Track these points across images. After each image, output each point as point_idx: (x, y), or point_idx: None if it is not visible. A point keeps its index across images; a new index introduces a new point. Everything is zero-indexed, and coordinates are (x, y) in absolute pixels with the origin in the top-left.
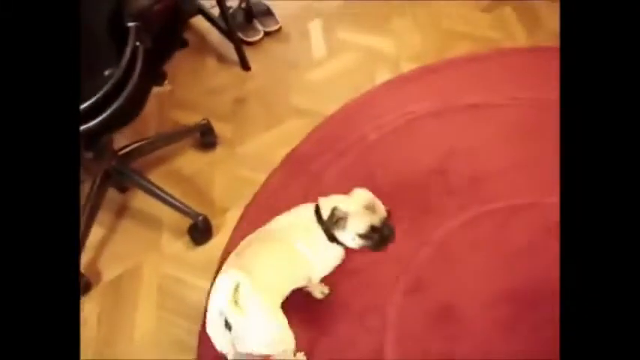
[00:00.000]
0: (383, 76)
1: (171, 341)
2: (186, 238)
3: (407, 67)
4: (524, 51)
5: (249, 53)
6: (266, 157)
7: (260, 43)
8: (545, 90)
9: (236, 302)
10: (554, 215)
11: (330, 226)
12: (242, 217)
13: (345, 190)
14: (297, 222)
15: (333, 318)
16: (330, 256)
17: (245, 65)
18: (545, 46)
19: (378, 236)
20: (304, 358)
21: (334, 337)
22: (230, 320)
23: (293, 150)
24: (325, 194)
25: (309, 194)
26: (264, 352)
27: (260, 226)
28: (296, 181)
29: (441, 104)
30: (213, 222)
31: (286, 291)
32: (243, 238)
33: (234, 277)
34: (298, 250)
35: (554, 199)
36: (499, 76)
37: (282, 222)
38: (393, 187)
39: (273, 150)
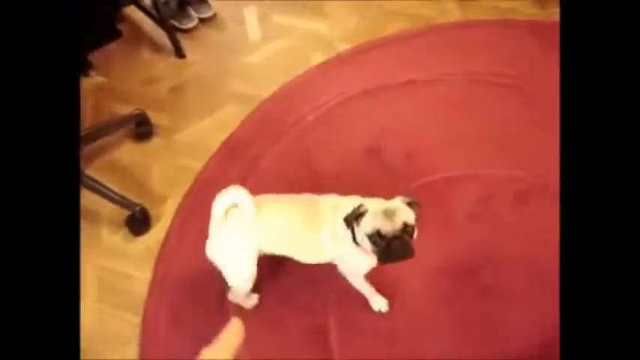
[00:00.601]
0: (318, 58)
1: (114, 334)
2: (125, 229)
3: (342, 48)
4: (456, 26)
5: (185, 41)
6: (204, 145)
7: (195, 30)
8: (478, 64)
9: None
10: (490, 186)
11: (350, 219)
12: (181, 206)
13: (283, 173)
14: (338, 208)
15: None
16: (347, 254)
17: (180, 53)
18: (477, 20)
19: (385, 245)
20: (257, 300)
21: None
22: (212, 227)
23: (230, 136)
24: (263, 179)
25: (247, 179)
26: (225, 275)
27: (198, 214)
28: (234, 166)
29: (375, 83)
30: (152, 212)
31: (278, 250)
32: (182, 226)
33: (242, 196)
34: (320, 232)
35: (488, 170)
36: (432, 52)
37: (330, 200)
38: (330, 167)
39: (211, 137)
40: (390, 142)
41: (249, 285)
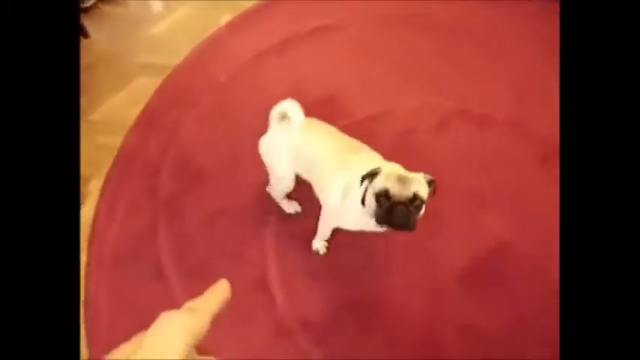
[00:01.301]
0: (227, 18)
1: None
2: None
3: (249, 4)
4: None
5: (86, 21)
6: (120, 120)
7: (97, 8)
8: (383, 5)
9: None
10: (411, 117)
11: (365, 176)
12: (105, 184)
13: (205, 138)
14: (364, 163)
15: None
16: (349, 210)
17: (84, 33)
18: None
19: (388, 207)
20: (298, 208)
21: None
22: (270, 127)
23: (144, 107)
24: (185, 145)
25: (169, 148)
26: (269, 172)
27: (124, 189)
28: (153, 138)
29: (286, 34)
30: None
31: (302, 169)
32: (110, 204)
33: (294, 110)
34: (335, 178)
35: (407, 103)
36: None
37: (367, 157)
38: (250, 125)
39: (126, 112)
40: (308, 91)
41: (285, 187)
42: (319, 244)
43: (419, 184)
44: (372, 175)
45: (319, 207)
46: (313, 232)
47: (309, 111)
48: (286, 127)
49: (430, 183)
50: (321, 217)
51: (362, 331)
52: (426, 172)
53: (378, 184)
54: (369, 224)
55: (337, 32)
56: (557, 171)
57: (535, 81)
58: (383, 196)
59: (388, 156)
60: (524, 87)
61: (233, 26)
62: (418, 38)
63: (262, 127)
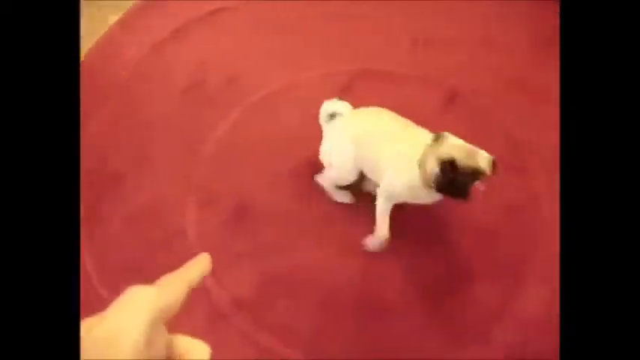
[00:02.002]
0: (115, 16)
1: None
2: None
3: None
4: None
5: None
6: None
7: None
8: None
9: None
10: (313, 87)
11: (433, 140)
12: None
13: (116, 137)
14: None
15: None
16: (405, 178)
17: None
18: None
19: (452, 176)
20: (349, 198)
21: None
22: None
23: None
24: (97, 146)
25: (81, 151)
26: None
27: None
28: None
29: (181, 20)
30: None
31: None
32: None
33: (341, 106)
34: (395, 151)
35: (309, 73)
36: None
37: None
38: (160, 117)
39: None
40: (211, 73)
41: (346, 182)
42: (378, 241)
43: (484, 160)
44: (436, 140)
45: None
46: (232, 216)
47: (209, 95)
48: (338, 125)
49: (493, 164)
50: (383, 202)
51: (295, 300)
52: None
53: (444, 150)
54: (421, 195)
55: (234, 12)
56: (462, 110)
57: (432, 29)
58: (447, 164)
59: (297, 127)
60: (423, 38)
61: (124, 22)
62: (315, 6)
63: (173, 117)
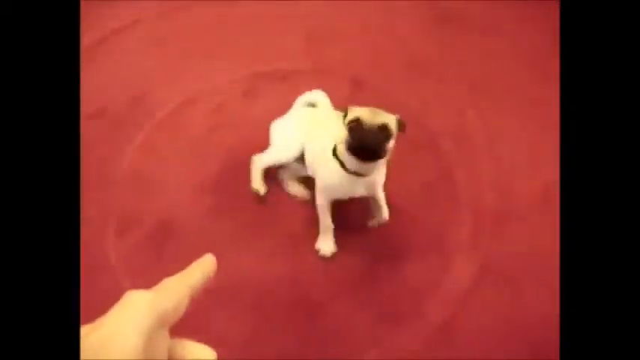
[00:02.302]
0: None
1: None
2: None
3: None
4: None
5: None
6: None
7: None
8: None
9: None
10: (218, 92)
11: (342, 117)
12: None
13: None
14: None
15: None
16: (321, 164)
17: None
18: None
19: (359, 135)
20: (306, 196)
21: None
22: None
23: None
24: None
25: None
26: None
27: None
28: None
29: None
30: None
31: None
32: None
33: (322, 97)
34: (320, 145)
35: (212, 81)
36: None
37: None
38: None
39: None
40: (112, 98)
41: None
42: (327, 244)
43: (388, 119)
44: (345, 115)
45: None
46: (156, 237)
47: (114, 119)
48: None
49: (399, 122)
50: (318, 202)
51: (228, 310)
52: (243, 136)
53: (350, 115)
54: (348, 183)
55: (131, 31)
56: (368, 97)
57: (325, 24)
58: (354, 124)
59: (207, 137)
60: (318, 33)
61: None
62: (208, 14)
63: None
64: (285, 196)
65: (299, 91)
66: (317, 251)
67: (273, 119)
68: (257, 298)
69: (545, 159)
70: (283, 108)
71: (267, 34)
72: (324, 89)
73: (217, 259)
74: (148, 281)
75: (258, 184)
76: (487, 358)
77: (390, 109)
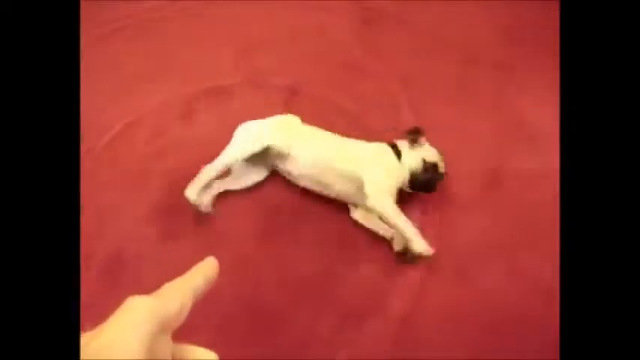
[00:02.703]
0: None
1: None
2: None
3: None
4: None
5: None
6: None
7: None
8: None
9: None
10: (151, 122)
11: (407, 137)
12: None
13: None
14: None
15: None
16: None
17: None
18: None
19: (431, 176)
20: (209, 209)
21: None
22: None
23: None
24: None
25: None
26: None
27: None
28: None
29: None
30: None
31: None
32: None
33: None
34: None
35: (143, 108)
36: None
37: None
38: None
39: None
40: None
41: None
42: (422, 243)
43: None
44: (414, 138)
45: None
46: (107, 272)
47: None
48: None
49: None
50: (393, 210)
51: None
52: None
53: (428, 153)
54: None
55: None
56: (304, 105)
57: (252, 35)
58: (431, 166)
59: (146, 165)
60: (245, 45)
61: None
62: (137, 37)
63: None
64: (234, 213)
65: (234, 108)
66: (418, 256)
67: (212, 138)
68: (214, 319)
69: (483, 145)
70: (221, 126)
71: (196, 52)
72: (260, 101)
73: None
74: (105, 317)
75: (190, 191)
76: (452, 345)
77: (328, 114)
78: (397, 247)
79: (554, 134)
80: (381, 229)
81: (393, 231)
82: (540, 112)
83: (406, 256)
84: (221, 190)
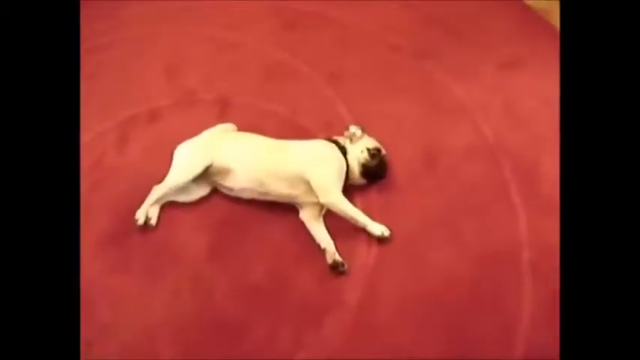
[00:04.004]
0: None
1: None
2: None
3: None
4: None
5: None
6: None
7: None
8: None
9: None
10: (89, 155)
11: (343, 139)
12: None
13: None
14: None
15: None
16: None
17: None
18: None
19: (380, 160)
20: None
21: None
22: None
23: None
24: None
25: None
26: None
27: None
28: None
29: None
30: None
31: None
32: None
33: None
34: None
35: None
36: None
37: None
38: None
39: None
40: None
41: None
42: (377, 226)
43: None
44: (351, 137)
45: None
46: None
47: None
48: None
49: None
50: (342, 200)
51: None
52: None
53: (369, 142)
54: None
55: None
56: (236, 114)
57: (181, 53)
58: (377, 151)
59: (88, 194)
60: (176, 64)
61: None
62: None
63: None
64: (181, 231)
65: (169, 128)
66: (380, 235)
67: (149, 162)
68: (173, 337)
69: (415, 128)
70: (157, 148)
71: (126, 76)
72: (193, 117)
73: (125, 309)
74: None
75: (141, 212)
76: (409, 325)
77: (262, 120)
78: (329, 260)
79: (480, 109)
80: (317, 238)
81: (326, 242)
82: (466, 89)
83: (337, 268)
84: (168, 199)
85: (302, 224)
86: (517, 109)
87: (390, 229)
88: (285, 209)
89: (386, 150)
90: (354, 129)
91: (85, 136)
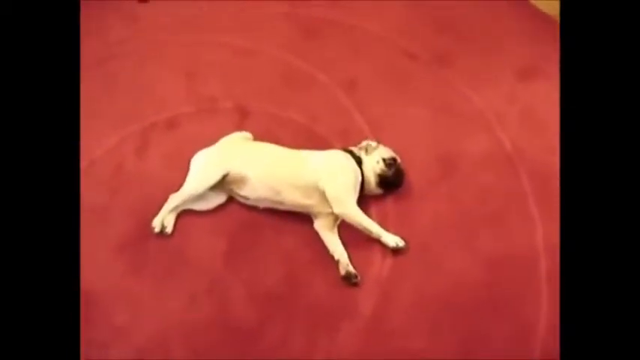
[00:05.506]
0: None
1: None
2: None
3: None
4: None
5: None
6: None
7: None
8: None
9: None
10: (112, 157)
11: (358, 150)
12: None
13: None
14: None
15: None
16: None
17: None
18: None
19: (396, 169)
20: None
21: None
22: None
23: None
24: None
25: None
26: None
27: None
28: None
29: None
30: None
31: None
32: None
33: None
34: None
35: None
36: None
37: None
38: None
39: None
40: None
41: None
42: (392, 237)
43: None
44: (366, 148)
45: None
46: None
47: None
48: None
49: None
50: (357, 211)
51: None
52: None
53: (384, 152)
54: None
55: None
56: (257, 123)
57: (201, 60)
58: (393, 161)
59: (108, 201)
60: (196, 71)
61: None
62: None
63: None
64: (197, 238)
65: (188, 136)
66: (395, 246)
67: (168, 169)
68: (187, 341)
69: (432, 135)
70: (177, 156)
71: (147, 84)
72: (211, 125)
73: (142, 313)
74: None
75: (157, 220)
76: (424, 331)
77: (277, 128)
78: (342, 271)
79: (498, 116)
80: (331, 249)
81: (339, 253)
82: (482, 96)
83: (350, 279)
84: (184, 207)
85: (316, 234)
86: (534, 116)
87: (406, 239)
88: (300, 219)
89: (402, 158)
90: (369, 141)
91: (107, 143)
